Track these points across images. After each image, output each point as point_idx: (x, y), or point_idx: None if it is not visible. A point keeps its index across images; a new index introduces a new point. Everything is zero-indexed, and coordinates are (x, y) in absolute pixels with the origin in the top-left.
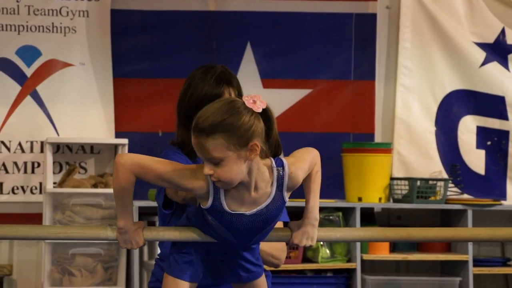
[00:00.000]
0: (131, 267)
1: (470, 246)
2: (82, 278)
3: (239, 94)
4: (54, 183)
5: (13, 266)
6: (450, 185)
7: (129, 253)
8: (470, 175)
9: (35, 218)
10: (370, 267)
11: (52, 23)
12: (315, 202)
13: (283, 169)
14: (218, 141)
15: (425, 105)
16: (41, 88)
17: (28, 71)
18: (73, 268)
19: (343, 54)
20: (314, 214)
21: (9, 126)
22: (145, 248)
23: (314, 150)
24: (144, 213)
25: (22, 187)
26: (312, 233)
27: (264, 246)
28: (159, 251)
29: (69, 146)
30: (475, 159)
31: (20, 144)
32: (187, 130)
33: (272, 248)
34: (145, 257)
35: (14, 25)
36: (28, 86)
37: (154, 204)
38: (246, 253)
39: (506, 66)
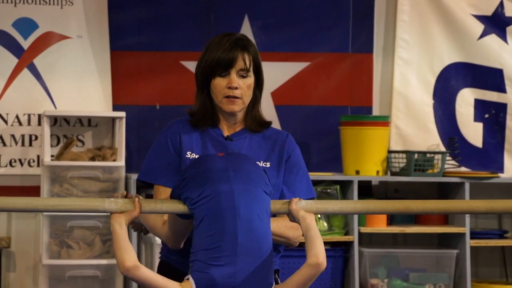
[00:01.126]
0: (130, 240)
1: (467, 218)
2: (80, 250)
3: (256, 64)
4: (52, 156)
5: (11, 238)
6: (448, 158)
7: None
8: (467, 148)
9: (33, 191)
10: (367, 240)
11: None
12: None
13: None
14: None
15: (423, 78)
16: (38, 61)
17: (25, 44)
18: (71, 240)
19: (341, 27)
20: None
21: (6, 98)
22: None
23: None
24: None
25: (20, 160)
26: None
27: (277, 228)
28: None
29: (66, 119)
30: (473, 132)
31: (17, 116)
32: (202, 94)
33: (287, 228)
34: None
35: None
36: (25, 59)
37: None
38: None
39: (504, 38)
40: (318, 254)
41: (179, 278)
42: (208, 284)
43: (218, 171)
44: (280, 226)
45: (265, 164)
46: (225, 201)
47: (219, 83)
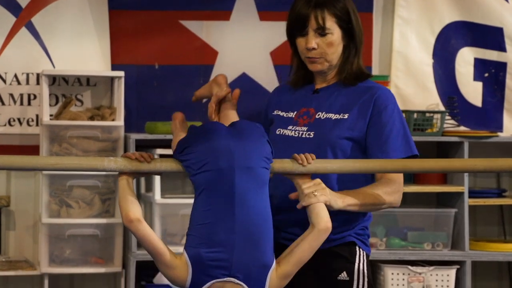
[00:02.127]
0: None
1: (466, 177)
2: (80, 209)
3: (341, 19)
4: (51, 115)
5: (10, 197)
6: (447, 117)
7: None
8: (467, 107)
9: (32, 150)
10: None
11: None
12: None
13: None
14: None
15: (423, 37)
16: (36, 20)
17: (23, 2)
18: (71, 200)
19: None
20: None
21: (5, 57)
22: (142, 180)
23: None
24: (142, 146)
25: (19, 119)
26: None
27: (374, 197)
28: (157, 184)
29: (65, 79)
30: (472, 91)
31: (16, 76)
32: (295, 52)
33: (386, 194)
34: (142, 189)
35: None
36: (23, 17)
37: (151, 137)
38: None
39: None
40: (327, 220)
41: None
42: (201, 265)
43: (221, 146)
44: (378, 194)
45: (343, 116)
46: (224, 179)
47: (300, 43)
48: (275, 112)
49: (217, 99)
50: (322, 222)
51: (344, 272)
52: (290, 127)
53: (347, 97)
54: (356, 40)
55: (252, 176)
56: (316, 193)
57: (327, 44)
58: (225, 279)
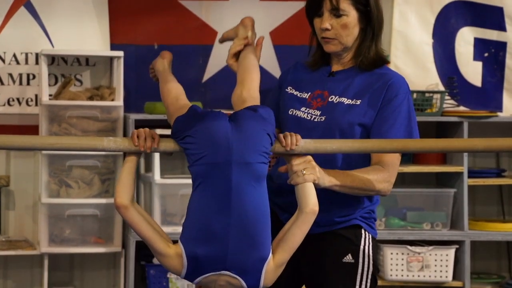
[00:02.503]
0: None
1: (465, 157)
2: (79, 189)
3: (359, 1)
4: (50, 95)
5: (10, 177)
6: (447, 97)
7: None
8: (466, 87)
9: (32, 130)
10: None
11: None
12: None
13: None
14: None
15: (423, 16)
16: None
17: None
18: (70, 180)
19: None
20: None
21: (3, 37)
22: (142, 161)
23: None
24: (141, 126)
25: (18, 99)
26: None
27: (365, 182)
28: (156, 164)
29: (64, 58)
30: (472, 71)
31: (14, 55)
32: (314, 32)
33: (377, 182)
34: (142, 170)
35: None
36: None
37: (151, 117)
38: None
39: None
40: (314, 202)
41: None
42: (197, 262)
43: (220, 140)
44: (368, 179)
45: (356, 102)
46: (221, 173)
47: (316, 23)
48: (289, 89)
49: (240, 43)
50: (309, 205)
51: (349, 255)
52: (303, 109)
53: (362, 82)
54: (373, 24)
55: (250, 171)
56: (304, 172)
57: (341, 26)
58: (220, 272)
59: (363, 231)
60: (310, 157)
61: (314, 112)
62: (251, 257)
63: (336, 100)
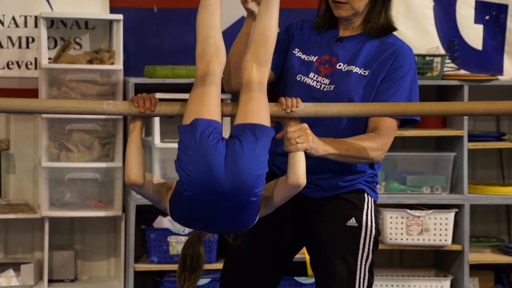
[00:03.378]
0: None
1: (465, 121)
2: (79, 153)
3: None
4: (49, 58)
5: (10, 141)
6: (447, 60)
7: (126, 130)
8: (467, 50)
9: (31, 94)
10: None
11: None
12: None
13: None
14: None
15: None
16: None
17: None
18: (70, 144)
19: None
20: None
21: (2, 0)
22: None
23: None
24: (141, 90)
25: (17, 62)
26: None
27: (357, 150)
28: (156, 128)
29: (63, 22)
30: (473, 34)
31: (14, 18)
32: None
33: (371, 150)
34: (142, 134)
35: None
36: None
37: (150, 81)
38: None
39: None
40: (300, 175)
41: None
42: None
43: (213, 182)
44: (363, 147)
45: (364, 72)
46: (209, 198)
47: None
48: (296, 51)
49: None
50: (294, 177)
51: (353, 218)
52: (311, 75)
53: (370, 51)
54: None
55: (239, 204)
56: (298, 140)
57: None
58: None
59: (366, 195)
60: (305, 125)
61: (322, 80)
62: (237, 225)
63: (344, 68)
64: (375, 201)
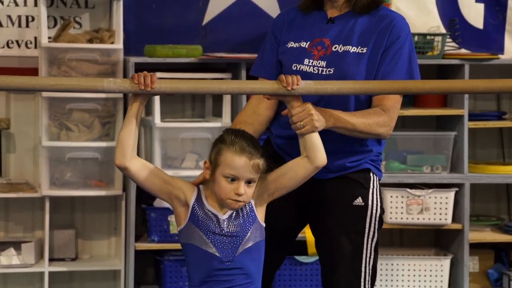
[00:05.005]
0: None
1: (466, 100)
2: (80, 133)
3: None
4: (49, 37)
5: (10, 120)
6: (448, 40)
7: (126, 109)
8: (468, 29)
9: (31, 73)
10: None
11: None
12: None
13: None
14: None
15: None
16: None
17: None
18: (70, 123)
19: None
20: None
21: None
22: None
23: None
24: (141, 69)
25: (17, 41)
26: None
27: (366, 125)
28: (157, 107)
29: (63, 0)
30: (474, 13)
31: None
32: None
33: (378, 125)
34: (142, 114)
35: None
36: None
37: (150, 60)
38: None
39: None
40: (324, 155)
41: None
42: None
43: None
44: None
45: (361, 50)
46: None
47: None
48: (289, 44)
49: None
50: (318, 160)
51: (360, 198)
52: (306, 62)
53: (363, 26)
54: None
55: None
56: (302, 124)
57: None
58: None
59: (371, 174)
60: (309, 106)
61: (318, 63)
62: None
63: (341, 49)
64: (379, 180)
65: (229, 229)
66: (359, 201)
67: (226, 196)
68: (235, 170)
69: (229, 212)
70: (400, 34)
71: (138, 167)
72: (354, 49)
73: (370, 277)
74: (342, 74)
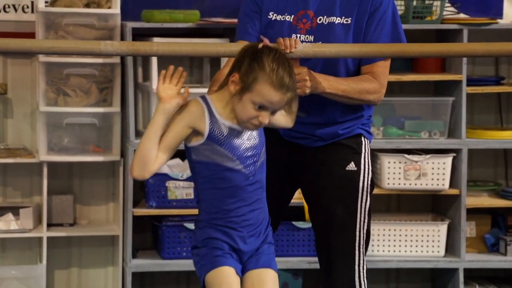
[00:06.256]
0: (126, 88)
1: (464, 65)
2: (77, 98)
3: None
4: (46, 2)
5: (7, 85)
6: (447, 4)
7: (123, 74)
8: None
9: (28, 37)
10: None
11: None
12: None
13: None
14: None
15: None
16: None
17: None
18: (68, 88)
19: None
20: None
21: None
22: (140, 69)
23: None
24: (138, 35)
25: (14, 6)
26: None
27: (355, 91)
28: (154, 73)
29: None
30: None
31: None
32: None
33: (368, 93)
34: (140, 79)
35: None
36: None
37: (148, 25)
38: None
39: None
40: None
41: None
42: None
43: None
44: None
45: (346, 21)
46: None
47: None
48: (271, 15)
49: None
50: (290, 121)
51: (352, 163)
52: (294, 37)
53: None
54: None
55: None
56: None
57: None
58: None
59: (363, 138)
60: (305, 71)
61: (306, 38)
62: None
63: (325, 20)
64: (370, 142)
65: (249, 142)
66: (352, 166)
67: (248, 119)
68: (268, 102)
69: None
70: (382, 1)
71: (157, 168)
72: (338, 20)
73: (364, 241)
74: None
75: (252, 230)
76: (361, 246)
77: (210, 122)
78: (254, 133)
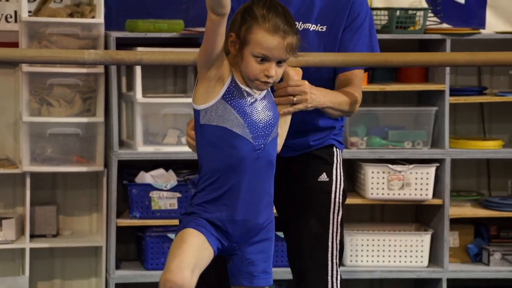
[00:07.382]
0: (110, 98)
1: (447, 75)
2: (61, 108)
3: None
4: (29, 11)
5: None
6: (430, 14)
7: (107, 84)
8: (449, 4)
9: (11, 47)
10: None
11: None
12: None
13: None
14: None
15: None
16: None
17: None
18: (51, 98)
19: None
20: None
21: None
22: (124, 79)
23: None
24: (122, 44)
25: None
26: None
27: (337, 104)
28: (138, 82)
29: None
30: None
31: None
32: None
33: (348, 104)
34: (124, 89)
35: None
36: None
37: (132, 35)
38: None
39: None
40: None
41: None
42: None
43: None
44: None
45: (321, 28)
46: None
47: None
48: None
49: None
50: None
51: (324, 173)
52: None
53: (323, 3)
54: None
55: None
56: (295, 99)
57: None
58: None
59: (335, 149)
60: (306, 83)
61: None
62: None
63: (301, 26)
64: (341, 152)
65: (263, 113)
66: (323, 176)
67: (255, 76)
68: (267, 50)
69: (264, 93)
70: (360, 11)
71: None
72: (313, 27)
73: (338, 252)
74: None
75: (251, 209)
76: (335, 257)
77: (231, 80)
78: (270, 105)
